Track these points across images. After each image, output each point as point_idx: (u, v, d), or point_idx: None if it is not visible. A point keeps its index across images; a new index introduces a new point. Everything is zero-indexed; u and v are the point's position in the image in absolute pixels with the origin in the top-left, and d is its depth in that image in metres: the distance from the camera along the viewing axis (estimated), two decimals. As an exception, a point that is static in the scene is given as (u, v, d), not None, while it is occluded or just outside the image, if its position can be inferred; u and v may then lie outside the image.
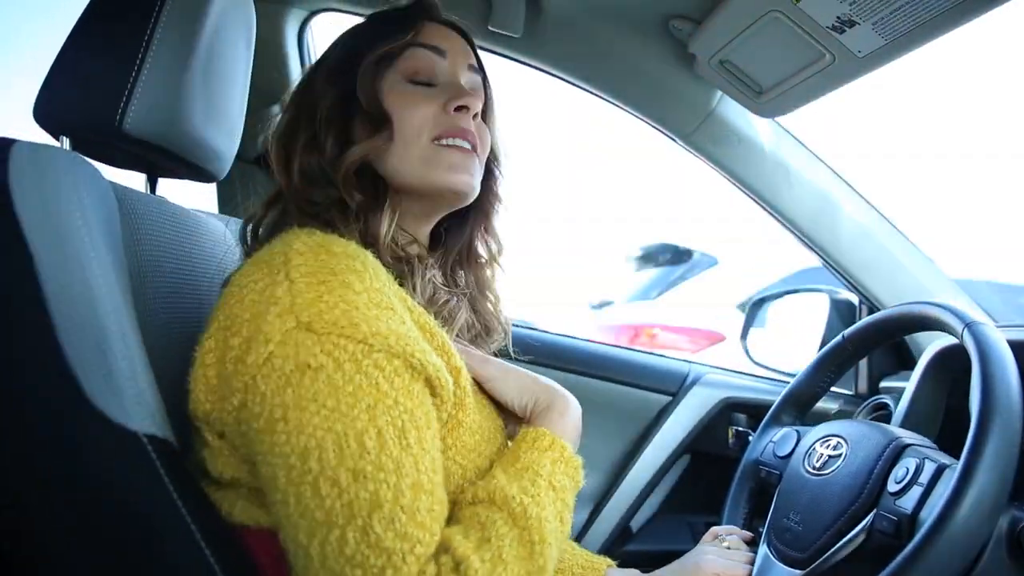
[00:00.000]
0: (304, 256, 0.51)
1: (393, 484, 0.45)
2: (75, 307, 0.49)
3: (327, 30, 1.28)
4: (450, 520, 0.52)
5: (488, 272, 0.75)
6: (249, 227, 0.66)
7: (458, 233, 0.74)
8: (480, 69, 0.71)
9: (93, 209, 0.54)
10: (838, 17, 0.74)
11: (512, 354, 0.75)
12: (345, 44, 0.68)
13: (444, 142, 0.64)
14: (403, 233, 0.65)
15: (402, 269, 0.62)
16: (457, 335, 0.66)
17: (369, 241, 0.61)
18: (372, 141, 0.62)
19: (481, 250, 0.75)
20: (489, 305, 0.74)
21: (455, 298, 0.66)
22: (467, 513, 0.52)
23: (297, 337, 0.47)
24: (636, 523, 1.28)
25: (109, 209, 0.58)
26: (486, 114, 0.70)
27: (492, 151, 0.72)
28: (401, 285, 0.58)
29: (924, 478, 0.64)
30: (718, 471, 1.16)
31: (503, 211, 0.75)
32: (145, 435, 0.49)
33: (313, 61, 0.75)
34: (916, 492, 0.63)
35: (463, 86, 0.66)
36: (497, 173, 0.74)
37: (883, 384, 1.18)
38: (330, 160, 0.62)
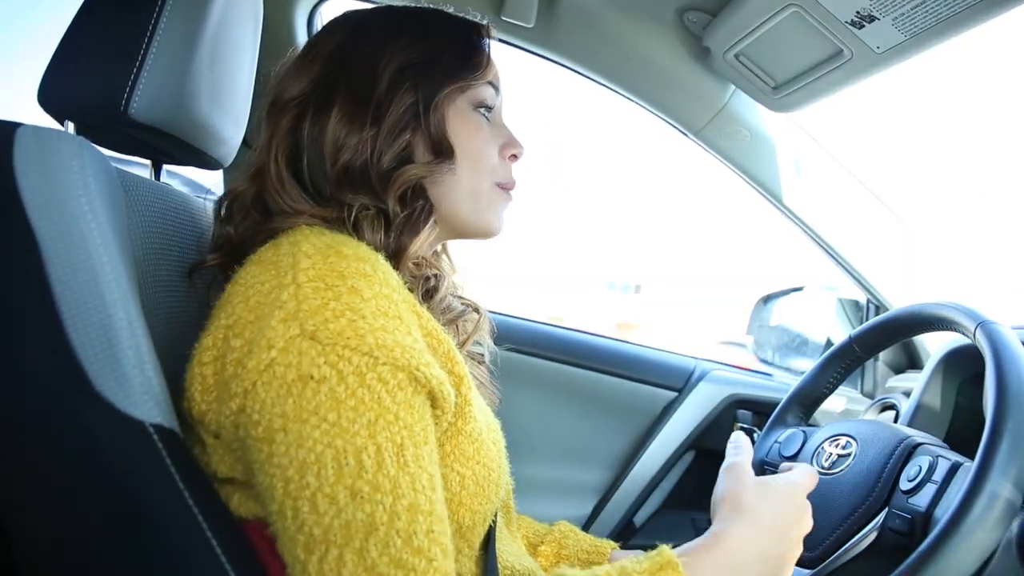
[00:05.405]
0: (312, 259, 0.49)
1: (389, 506, 0.43)
2: (81, 293, 0.48)
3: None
4: None
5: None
6: (224, 203, 0.63)
7: None
8: None
9: (99, 194, 0.53)
10: (858, 12, 0.73)
11: (495, 344, 0.75)
12: (424, 44, 0.62)
13: (503, 190, 0.66)
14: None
15: (423, 284, 0.62)
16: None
17: (389, 254, 0.58)
18: (434, 166, 0.60)
19: None
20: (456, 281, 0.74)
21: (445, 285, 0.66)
22: None
23: (300, 346, 0.45)
24: (639, 518, 1.28)
25: (115, 194, 0.57)
26: None
27: None
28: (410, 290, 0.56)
29: (938, 476, 0.63)
30: (723, 468, 1.16)
31: None
32: (151, 424, 0.48)
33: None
34: (930, 490, 0.63)
35: (513, 134, 0.68)
36: None
37: (889, 383, 1.17)
38: (383, 169, 0.59)
